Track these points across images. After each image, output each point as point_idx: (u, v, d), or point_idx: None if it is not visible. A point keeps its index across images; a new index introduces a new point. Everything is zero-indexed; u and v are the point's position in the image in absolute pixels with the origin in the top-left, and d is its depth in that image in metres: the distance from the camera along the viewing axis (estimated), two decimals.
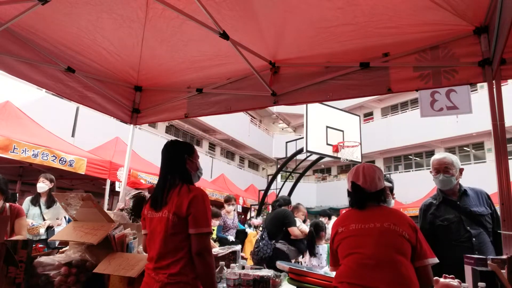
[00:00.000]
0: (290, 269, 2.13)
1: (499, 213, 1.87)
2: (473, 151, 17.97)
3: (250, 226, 8.25)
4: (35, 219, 4.11)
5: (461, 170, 2.37)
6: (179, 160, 1.84)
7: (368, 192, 1.77)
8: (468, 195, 2.36)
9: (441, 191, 2.43)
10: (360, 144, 7.92)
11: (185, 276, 1.61)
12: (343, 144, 7.67)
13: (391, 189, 2.58)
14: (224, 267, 2.13)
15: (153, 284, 1.62)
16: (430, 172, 2.45)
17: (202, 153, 18.89)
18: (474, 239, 2.20)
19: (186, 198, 1.68)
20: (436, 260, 1.62)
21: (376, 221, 1.67)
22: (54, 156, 5.47)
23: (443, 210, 2.36)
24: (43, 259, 2.10)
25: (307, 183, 22.75)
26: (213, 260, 1.71)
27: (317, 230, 4.35)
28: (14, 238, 2.87)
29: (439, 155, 2.44)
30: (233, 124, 19.87)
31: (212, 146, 21.34)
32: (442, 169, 2.35)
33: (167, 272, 1.61)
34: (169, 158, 1.84)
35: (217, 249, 2.53)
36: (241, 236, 6.34)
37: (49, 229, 4.21)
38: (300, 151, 8.16)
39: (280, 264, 2.27)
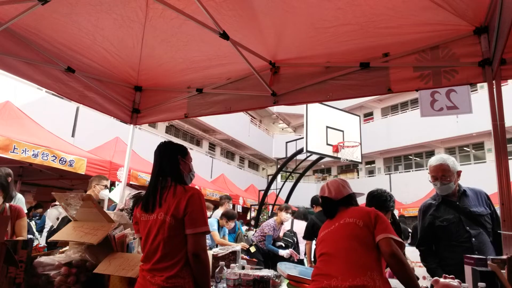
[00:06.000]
0: (289, 276, 2.14)
1: (499, 213, 1.87)
2: (473, 151, 17.97)
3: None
4: None
5: (458, 173, 2.35)
6: (172, 160, 1.82)
7: (335, 201, 1.97)
8: (468, 196, 2.35)
9: None
10: (360, 144, 7.92)
11: (182, 279, 1.60)
12: (343, 144, 7.66)
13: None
14: (224, 267, 2.13)
15: (149, 287, 1.61)
16: (428, 174, 2.44)
17: (202, 153, 18.91)
18: (473, 239, 2.20)
19: (184, 198, 1.67)
20: (396, 237, 1.68)
21: (336, 221, 1.88)
22: (54, 156, 5.47)
23: (443, 210, 2.36)
24: (43, 259, 2.10)
25: (307, 183, 22.73)
26: (209, 259, 1.70)
27: None
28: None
29: (436, 159, 2.40)
30: (233, 124, 19.88)
31: (212, 146, 21.35)
32: (440, 176, 2.33)
33: (164, 275, 1.59)
34: (163, 158, 1.83)
35: (217, 249, 2.53)
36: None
37: None
38: (300, 151, 8.16)
39: (279, 269, 2.27)
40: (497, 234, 2.26)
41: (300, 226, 5.37)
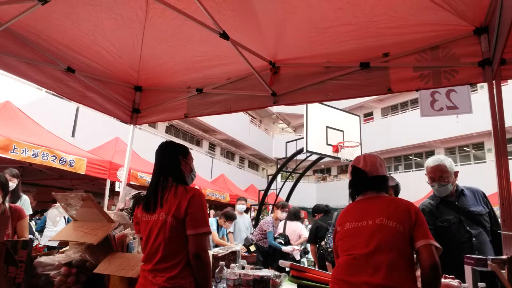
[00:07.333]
0: (292, 265, 2.13)
1: (498, 213, 1.87)
2: (473, 151, 17.97)
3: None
4: None
5: (456, 173, 2.35)
6: (173, 161, 1.82)
7: (369, 177, 1.69)
8: (466, 195, 2.35)
9: None
10: (360, 144, 7.91)
11: (183, 280, 1.60)
12: (343, 144, 7.65)
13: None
14: (224, 267, 2.13)
15: (150, 287, 1.61)
16: (425, 175, 2.43)
17: (202, 153, 18.91)
18: (474, 239, 2.19)
19: (185, 198, 1.67)
20: (436, 243, 1.50)
21: (369, 217, 1.59)
22: (54, 156, 5.47)
23: (442, 211, 2.35)
24: (43, 259, 2.10)
25: (307, 183, 22.75)
26: (210, 259, 1.70)
27: None
28: None
29: (433, 160, 2.38)
30: (233, 124, 19.87)
31: (212, 146, 21.34)
32: (437, 177, 2.32)
33: (165, 275, 1.59)
34: (163, 158, 1.83)
35: (217, 249, 2.53)
36: None
37: None
38: (300, 151, 8.15)
39: (281, 262, 2.27)
40: (496, 233, 2.25)
41: (292, 229, 5.41)
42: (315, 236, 4.81)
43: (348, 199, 1.85)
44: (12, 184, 3.98)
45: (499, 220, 2.30)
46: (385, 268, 1.46)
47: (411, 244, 1.51)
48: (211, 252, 2.37)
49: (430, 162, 2.40)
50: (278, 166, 10.60)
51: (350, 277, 1.53)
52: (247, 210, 13.19)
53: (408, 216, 1.53)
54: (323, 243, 4.50)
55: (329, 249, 4.24)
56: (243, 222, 5.82)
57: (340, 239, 1.69)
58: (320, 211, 5.13)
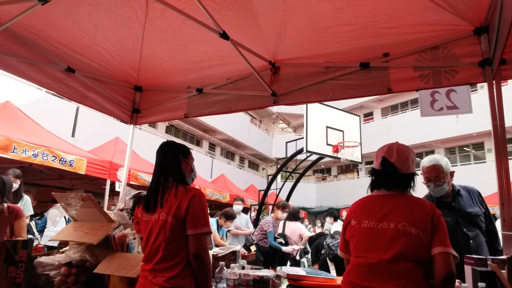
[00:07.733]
0: (288, 275, 2.14)
1: (498, 213, 1.87)
2: (473, 151, 17.96)
3: None
4: None
5: (452, 173, 2.31)
6: (174, 160, 1.82)
7: (399, 173, 1.59)
8: (462, 195, 2.32)
9: None
10: (360, 144, 7.91)
11: (183, 280, 1.60)
12: (343, 144, 7.65)
13: None
14: (224, 267, 2.13)
15: (150, 287, 1.61)
16: (421, 175, 2.41)
17: (202, 153, 18.90)
18: (471, 241, 2.18)
19: (185, 198, 1.67)
20: (454, 252, 1.44)
21: (390, 219, 1.50)
22: (54, 156, 5.47)
23: None
24: (43, 259, 2.10)
25: (307, 183, 22.73)
26: (210, 259, 1.71)
27: None
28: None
29: (428, 160, 2.33)
30: (233, 124, 19.87)
31: (212, 146, 21.34)
32: (433, 178, 2.27)
33: (165, 275, 1.59)
34: (164, 158, 1.83)
35: (217, 249, 2.53)
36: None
37: None
38: (300, 151, 8.15)
39: (279, 270, 2.27)
40: (491, 234, 2.25)
41: (292, 229, 5.43)
42: (316, 252, 4.89)
43: (367, 190, 1.76)
44: (15, 184, 3.98)
45: (496, 220, 2.29)
46: (402, 277, 1.42)
47: (429, 254, 1.44)
48: (211, 252, 2.37)
49: (425, 162, 2.35)
50: (278, 166, 10.59)
51: (363, 282, 1.48)
52: (246, 210, 13.21)
53: (431, 221, 1.46)
54: (323, 251, 4.54)
55: (330, 244, 4.26)
56: (240, 222, 5.85)
57: (353, 236, 1.60)
58: (315, 239, 5.33)
